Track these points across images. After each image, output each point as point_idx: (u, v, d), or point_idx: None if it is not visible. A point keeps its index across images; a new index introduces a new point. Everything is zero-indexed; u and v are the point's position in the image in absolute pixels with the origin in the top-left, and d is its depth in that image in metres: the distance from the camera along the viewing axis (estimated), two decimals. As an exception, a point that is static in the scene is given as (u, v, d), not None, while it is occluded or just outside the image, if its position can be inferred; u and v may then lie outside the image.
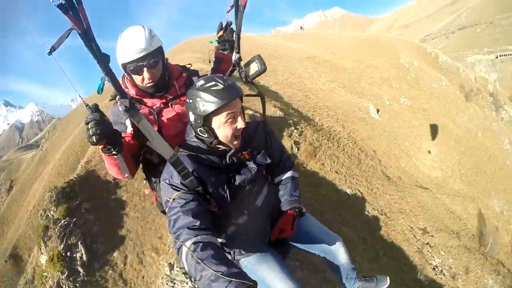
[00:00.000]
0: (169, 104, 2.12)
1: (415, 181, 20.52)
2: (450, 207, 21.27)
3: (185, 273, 8.43)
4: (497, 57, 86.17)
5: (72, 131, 25.88)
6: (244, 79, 2.21)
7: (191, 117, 1.81)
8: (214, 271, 1.37)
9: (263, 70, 2.15)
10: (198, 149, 1.86)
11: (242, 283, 1.33)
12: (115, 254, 9.41)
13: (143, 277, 8.97)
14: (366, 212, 14.98)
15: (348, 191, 15.27)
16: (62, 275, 8.86)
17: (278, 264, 2.00)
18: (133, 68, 1.95)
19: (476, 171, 27.64)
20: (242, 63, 2.29)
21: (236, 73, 2.35)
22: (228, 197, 1.85)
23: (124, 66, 1.97)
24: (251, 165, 1.96)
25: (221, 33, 2.47)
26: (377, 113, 24.37)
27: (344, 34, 39.65)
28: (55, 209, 9.98)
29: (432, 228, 17.27)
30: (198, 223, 1.59)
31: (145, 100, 2.11)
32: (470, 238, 19.97)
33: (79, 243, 9.22)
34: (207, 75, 2.20)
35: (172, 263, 8.38)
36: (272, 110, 15.66)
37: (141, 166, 2.25)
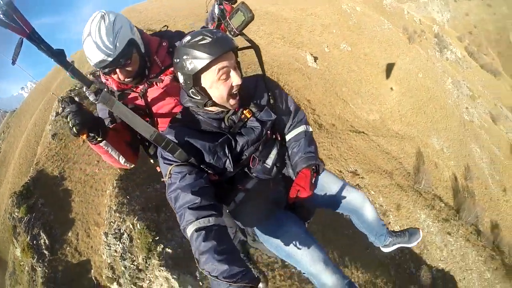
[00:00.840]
0: (154, 83, 1.99)
1: (350, 126, 20.91)
2: (386, 148, 21.99)
3: (116, 238, 10.40)
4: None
5: (25, 126, 25.11)
6: (232, 33, 1.96)
7: (181, 78, 1.62)
8: (212, 274, 1.31)
9: (250, 19, 1.91)
10: (193, 115, 1.74)
11: (242, 287, 1.28)
12: (69, 233, 11.65)
13: (91, 247, 11.24)
14: (291, 162, 15.14)
15: (272, 144, 15.34)
16: (33, 260, 11.27)
17: (298, 227, 1.83)
18: (105, 72, 1.85)
19: (416, 111, 28.55)
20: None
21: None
22: (231, 161, 1.70)
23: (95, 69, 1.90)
24: (254, 123, 1.77)
25: None
26: (315, 61, 24.15)
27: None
28: (17, 210, 12.37)
29: (362, 170, 17.82)
30: (198, 200, 1.49)
31: (127, 90, 2.02)
32: (404, 177, 20.90)
33: (41, 232, 11.70)
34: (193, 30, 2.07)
35: (106, 232, 10.57)
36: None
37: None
